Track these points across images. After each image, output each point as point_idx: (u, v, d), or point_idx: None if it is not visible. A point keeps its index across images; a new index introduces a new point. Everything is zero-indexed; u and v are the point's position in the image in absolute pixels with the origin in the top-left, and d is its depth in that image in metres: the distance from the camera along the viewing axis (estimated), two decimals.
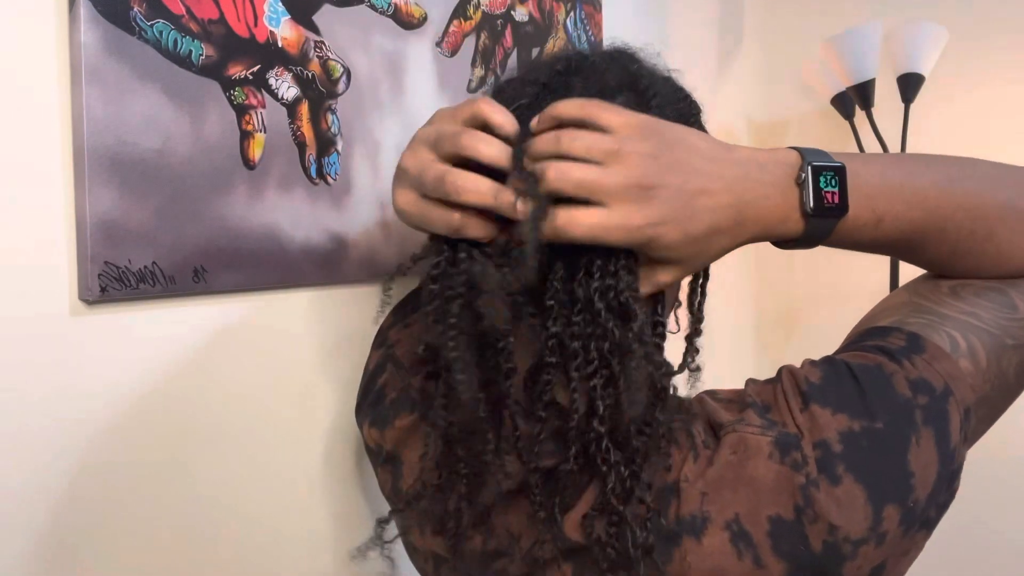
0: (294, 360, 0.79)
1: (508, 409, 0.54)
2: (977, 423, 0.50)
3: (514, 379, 0.51)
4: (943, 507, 0.48)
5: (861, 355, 0.51)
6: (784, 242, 0.52)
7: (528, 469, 0.52)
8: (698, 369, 0.57)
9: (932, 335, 0.50)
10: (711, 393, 0.55)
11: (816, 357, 0.53)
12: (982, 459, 1.48)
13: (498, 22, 0.99)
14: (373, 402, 0.69)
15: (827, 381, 0.49)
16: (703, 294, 0.60)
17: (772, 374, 0.55)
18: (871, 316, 0.56)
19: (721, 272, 1.84)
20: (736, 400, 0.52)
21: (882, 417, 0.47)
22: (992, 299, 0.52)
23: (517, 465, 0.53)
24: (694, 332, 0.57)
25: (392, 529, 0.65)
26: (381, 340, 0.74)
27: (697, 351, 0.57)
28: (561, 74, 0.54)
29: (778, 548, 0.45)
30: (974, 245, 0.52)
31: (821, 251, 1.88)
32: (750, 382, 0.54)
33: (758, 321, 1.90)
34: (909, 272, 1.63)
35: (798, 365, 0.53)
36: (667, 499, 0.48)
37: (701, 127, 0.56)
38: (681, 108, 0.55)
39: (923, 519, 0.47)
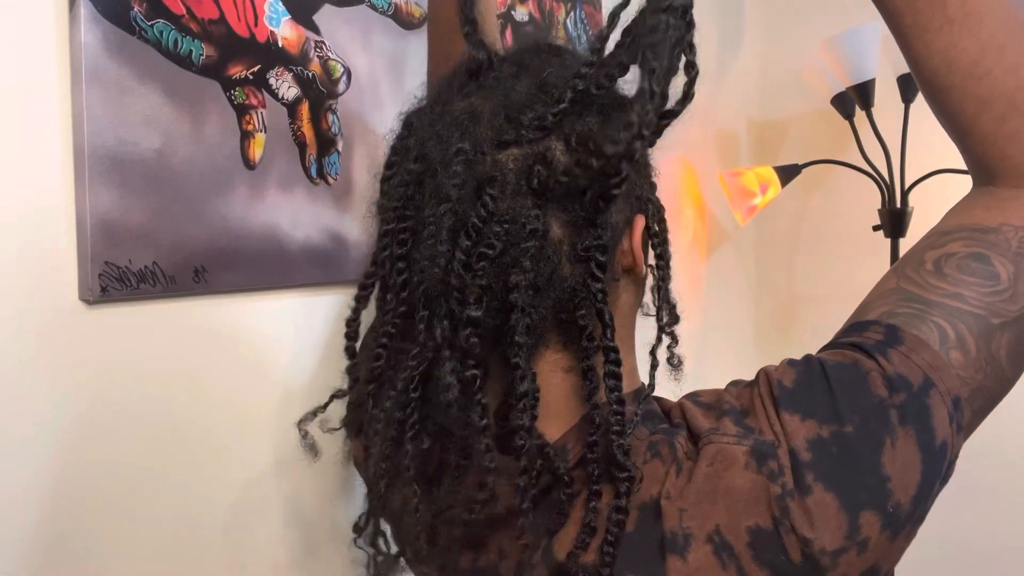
0: (294, 360, 0.78)
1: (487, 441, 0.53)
2: (972, 415, 0.49)
3: (487, 416, 0.51)
4: (935, 497, 0.47)
5: (838, 352, 0.50)
6: None
7: (515, 494, 0.52)
8: (680, 364, 0.56)
9: (917, 326, 0.48)
10: (692, 396, 0.54)
11: None
12: (982, 458, 1.48)
13: (498, 22, 0.99)
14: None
15: (798, 384, 0.48)
16: (665, 270, 0.59)
17: None
18: (862, 306, 0.54)
19: (721, 271, 1.84)
20: (714, 406, 0.52)
21: (852, 420, 0.45)
22: (974, 271, 0.49)
23: (505, 490, 0.53)
24: (668, 321, 0.57)
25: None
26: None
27: (675, 341, 0.56)
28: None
29: (759, 558, 0.44)
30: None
31: (821, 250, 1.86)
32: (731, 384, 0.54)
33: (758, 321, 1.90)
34: None
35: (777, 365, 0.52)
36: (651, 516, 0.48)
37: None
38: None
39: (914, 519, 0.46)
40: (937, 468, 0.46)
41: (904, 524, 0.45)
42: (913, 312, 0.49)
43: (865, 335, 0.49)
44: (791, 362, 0.51)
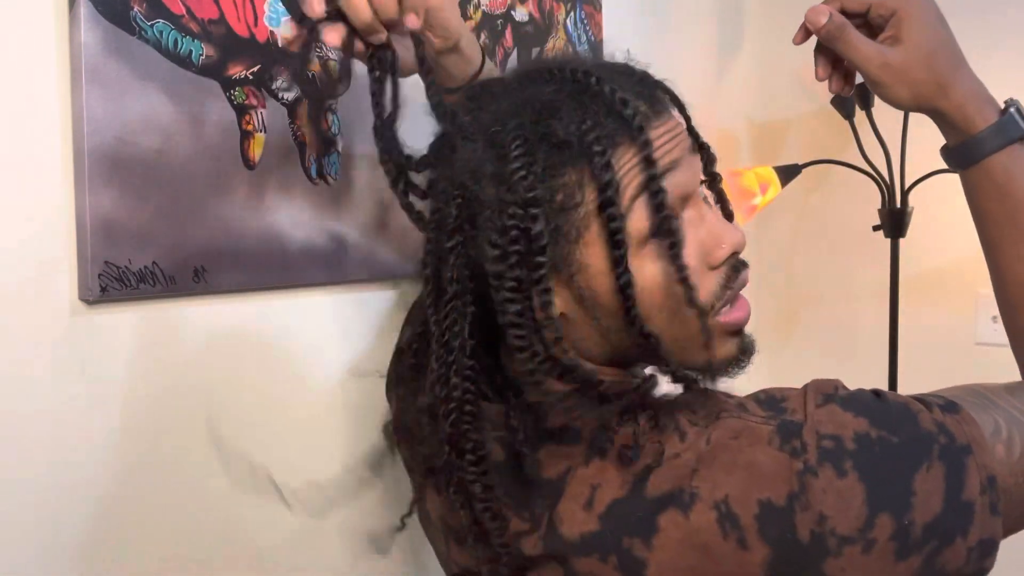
0: (294, 360, 0.78)
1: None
2: (1009, 507, 0.49)
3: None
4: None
5: (893, 395, 0.52)
6: (956, 141, 0.64)
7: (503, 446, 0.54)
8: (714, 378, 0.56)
9: (977, 412, 0.51)
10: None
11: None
12: None
13: (498, 22, 0.99)
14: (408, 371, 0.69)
15: (854, 395, 0.51)
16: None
17: (771, 375, 0.56)
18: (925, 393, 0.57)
19: None
20: (739, 399, 0.53)
21: (901, 436, 0.48)
22: None
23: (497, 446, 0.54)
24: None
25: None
26: (413, 315, 0.75)
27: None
28: None
29: (764, 532, 0.46)
30: None
31: (821, 250, 1.85)
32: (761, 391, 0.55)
33: (757, 321, 1.90)
34: (908, 272, 1.61)
35: (801, 369, 0.54)
36: (645, 481, 0.49)
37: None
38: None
39: (925, 555, 0.46)
40: (955, 521, 0.47)
41: (911, 550, 0.46)
42: (978, 403, 0.53)
43: (925, 396, 0.52)
44: (839, 385, 0.53)
